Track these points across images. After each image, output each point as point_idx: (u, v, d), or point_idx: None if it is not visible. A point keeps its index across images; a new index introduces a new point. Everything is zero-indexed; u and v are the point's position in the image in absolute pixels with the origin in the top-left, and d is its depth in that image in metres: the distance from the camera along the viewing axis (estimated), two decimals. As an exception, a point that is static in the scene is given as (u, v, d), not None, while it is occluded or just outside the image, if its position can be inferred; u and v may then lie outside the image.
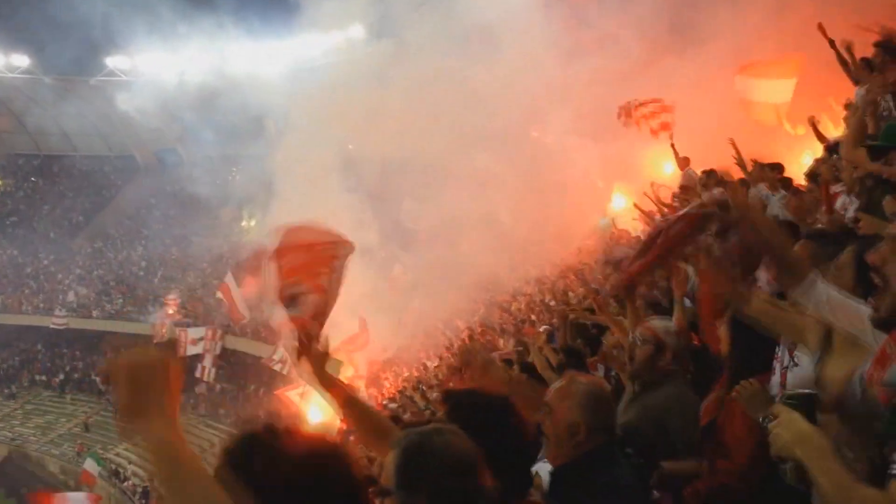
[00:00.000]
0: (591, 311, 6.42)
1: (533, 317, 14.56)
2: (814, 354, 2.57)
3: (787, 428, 1.88)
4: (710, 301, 4.49)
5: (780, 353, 2.99)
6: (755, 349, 3.13)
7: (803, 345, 2.71)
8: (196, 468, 1.46)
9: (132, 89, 40.21)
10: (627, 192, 18.85)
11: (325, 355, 2.86)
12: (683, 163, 12.08)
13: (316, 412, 19.67)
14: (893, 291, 2.04)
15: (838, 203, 5.44)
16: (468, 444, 1.92)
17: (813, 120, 8.04)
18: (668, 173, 14.32)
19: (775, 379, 2.97)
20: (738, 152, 7.58)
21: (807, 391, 1.86)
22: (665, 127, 13.20)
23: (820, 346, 2.53)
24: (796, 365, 2.77)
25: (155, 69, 41.05)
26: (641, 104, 13.52)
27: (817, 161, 6.83)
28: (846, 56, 6.94)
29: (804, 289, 2.52)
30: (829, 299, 2.45)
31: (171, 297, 34.19)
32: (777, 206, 6.72)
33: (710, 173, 8.41)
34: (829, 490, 1.77)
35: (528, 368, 6.07)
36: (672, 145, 12.79)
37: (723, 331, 3.55)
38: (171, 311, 33.27)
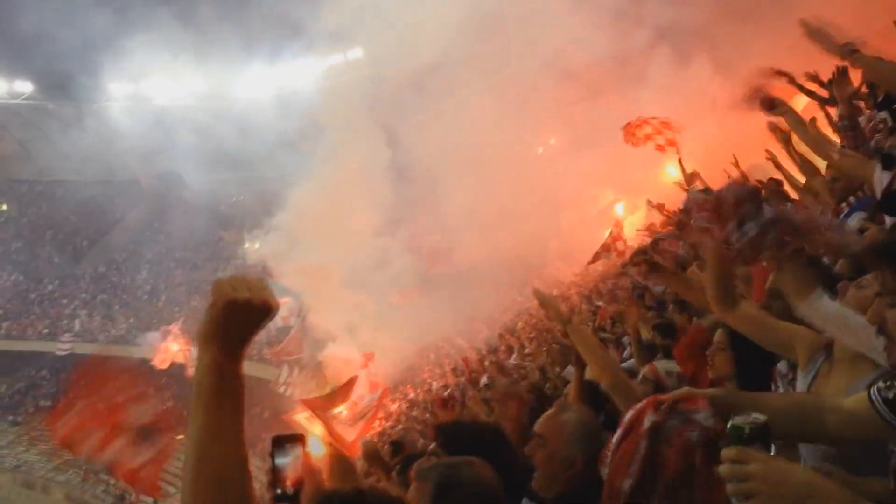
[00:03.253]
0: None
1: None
2: (805, 371, 2.45)
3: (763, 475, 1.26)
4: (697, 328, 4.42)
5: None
6: (750, 372, 3.05)
7: (790, 359, 2.60)
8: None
9: (135, 114, 40.45)
10: (629, 204, 18.85)
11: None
12: (691, 179, 11.16)
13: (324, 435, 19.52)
14: None
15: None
16: (494, 476, 2.06)
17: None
18: (672, 175, 13.79)
19: None
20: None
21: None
22: (672, 143, 12.69)
23: (812, 363, 2.43)
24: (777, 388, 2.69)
25: (158, 93, 41.32)
26: (644, 122, 13.27)
27: (809, 182, 6.59)
28: (810, 87, 6.72)
29: (811, 304, 2.38)
30: (837, 315, 2.31)
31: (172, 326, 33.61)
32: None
33: (706, 191, 8.02)
34: None
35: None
36: (680, 160, 12.21)
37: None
38: (175, 335, 33.02)
